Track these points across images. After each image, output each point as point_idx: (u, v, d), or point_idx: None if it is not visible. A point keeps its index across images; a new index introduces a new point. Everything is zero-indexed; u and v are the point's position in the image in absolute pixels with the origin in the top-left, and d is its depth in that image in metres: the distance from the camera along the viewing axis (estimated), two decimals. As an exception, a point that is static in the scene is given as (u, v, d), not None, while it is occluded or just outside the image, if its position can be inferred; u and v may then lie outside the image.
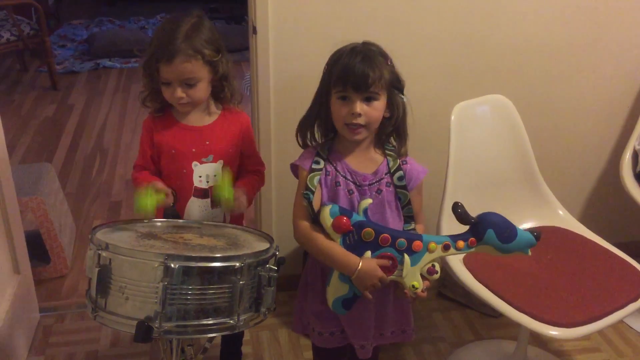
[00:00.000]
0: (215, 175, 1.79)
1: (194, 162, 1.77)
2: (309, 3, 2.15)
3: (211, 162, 1.77)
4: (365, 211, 1.52)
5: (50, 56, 5.01)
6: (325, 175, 1.58)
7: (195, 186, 1.78)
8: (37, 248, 2.62)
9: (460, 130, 1.97)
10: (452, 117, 1.96)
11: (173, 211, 1.79)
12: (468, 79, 2.32)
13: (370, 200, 1.54)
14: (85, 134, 4.24)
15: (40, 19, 4.89)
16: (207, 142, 1.77)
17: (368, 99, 1.51)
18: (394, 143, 1.63)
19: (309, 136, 1.63)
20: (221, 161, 1.78)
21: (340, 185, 1.58)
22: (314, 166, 1.59)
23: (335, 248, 1.49)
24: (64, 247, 2.70)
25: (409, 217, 1.62)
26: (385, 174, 1.60)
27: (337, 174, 1.58)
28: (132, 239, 1.51)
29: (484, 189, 2.04)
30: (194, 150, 1.76)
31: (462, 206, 1.55)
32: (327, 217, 1.49)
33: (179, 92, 1.67)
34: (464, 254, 1.57)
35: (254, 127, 2.23)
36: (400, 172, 1.60)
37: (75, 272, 2.74)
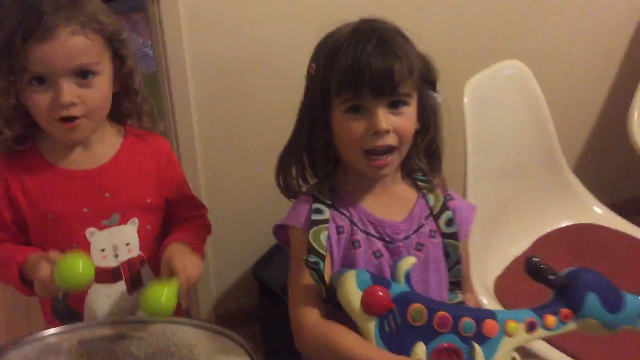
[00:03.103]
0: (128, 244, 1.11)
1: (89, 229, 1.10)
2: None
3: (117, 224, 1.11)
4: (407, 276, 0.97)
5: None
6: (337, 233, 1.02)
7: (96, 266, 1.09)
8: None
9: (476, 111, 1.48)
10: (465, 99, 1.46)
11: (65, 306, 1.14)
12: (468, 45, 1.75)
13: (414, 260, 0.98)
14: None
15: None
16: (107, 194, 1.10)
17: (395, 105, 0.97)
18: (420, 166, 1.08)
19: (295, 176, 1.06)
20: (134, 221, 1.13)
21: (359, 246, 1.02)
22: (315, 217, 1.02)
23: (374, 350, 0.92)
24: None
25: (455, 284, 1.09)
26: (426, 217, 1.06)
27: (354, 228, 1.02)
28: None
29: (507, 180, 1.58)
30: (85, 209, 1.09)
31: (540, 260, 1.00)
32: (352, 290, 0.93)
33: (67, 93, 0.99)
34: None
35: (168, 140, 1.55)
36: (448, 213, 1.07)
37: None
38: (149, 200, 1.13)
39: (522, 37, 1.81)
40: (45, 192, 1.07)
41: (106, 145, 1.11)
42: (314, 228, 1.01)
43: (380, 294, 0.92)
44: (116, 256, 1.12)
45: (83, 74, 1.00)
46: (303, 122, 1.03)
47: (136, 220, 1.12)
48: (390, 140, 0.96)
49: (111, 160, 1.11)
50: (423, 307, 0.94)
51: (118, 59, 1.06)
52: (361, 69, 0.93)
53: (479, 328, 0.97)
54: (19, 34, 0.95)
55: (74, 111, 1.00)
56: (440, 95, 1.01)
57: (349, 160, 1.01)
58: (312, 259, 0.97)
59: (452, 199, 1.08)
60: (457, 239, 1.06)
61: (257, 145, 1.63)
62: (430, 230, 1.05)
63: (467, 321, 0.96)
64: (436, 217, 1.06)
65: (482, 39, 1.76)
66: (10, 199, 1.07)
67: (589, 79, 2.02)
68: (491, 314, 0.99)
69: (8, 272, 1.06)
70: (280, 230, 1.07)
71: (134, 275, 1.14)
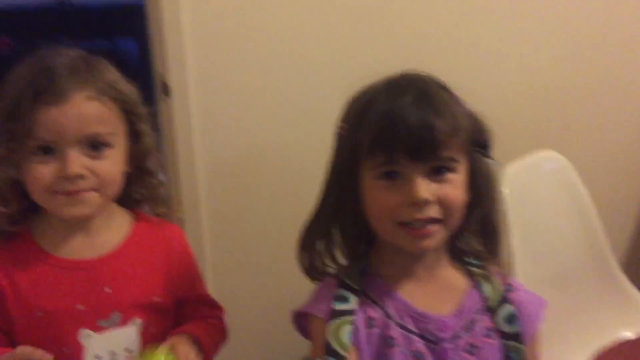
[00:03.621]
0: (127, 349, 0.94)
1: (85, 331, 0.93)
2: (252, 39, 1.40)
3: (117, 325, 0.94)
4: None
5: None
6: (368, 326, 0.84)
7: None
8: None
9: (517, 207, 1.33)
10: (506, 190, 1.32)
11: None
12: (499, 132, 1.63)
13: None
14: None
15: None
16: (107, 289, 0.94)
17: (438, 171, 0.81)
18: (472, 246, 0.91)
19: (321, 254, 0.90)
20: (137, 322, 0.96)
21: (396, 344, 0.84)
22: (338, 306, 0.85)
23: None
24: None
25: None
26: (480, 311, 0.87)
27: (389, 321, 0.85)
28: None
29: (557, 287, 1.41)
30: (80, 307, 0.93)
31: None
32: None
33: (75, 164, 0.86)
34: None
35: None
36: (509, 308, 0.88)
37: None
38: (155, 299, 0.97)
39: (555, 125, 1.70)
40: (35, 285, 0.92)
41: (112, 232, 0.97)
42: (335, 320, 0.83)
43: None
44: (113, 364, 0.93)
45: (94, 146, 0.88)
46: (330, 190, 0.89)
47: (139, 321, 0.95)
48: (432, 212, 0.80)
49: (115, 250, 0.96)
50: None
51: (133, 135, 0.95)
52: (395, 125, 0.79)
53: None
54: (28, 96, 0.85)
55: (81, 185, 0.88)
56: (497, 162, 0.88)
57: (382, 234, 0.86)
58: None
59: (513, 290, 0.90)
60: (521, 341, 0.87)
61: (271, 246, 1.50)
62: (486, 329, 0.86)
63: None
64: (493, 312, 0.87)
65: (514, 126, 1.66)
66: None
67: (629, 170, 1.89)
68: None
69: None
70: (301, 318, 0.90)
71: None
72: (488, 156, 0.87)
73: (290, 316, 0.91)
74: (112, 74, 0.92)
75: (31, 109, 0.85)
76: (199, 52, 1.38)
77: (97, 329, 0.92)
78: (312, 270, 0.91)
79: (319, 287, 0.90)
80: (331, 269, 0.91)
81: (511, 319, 0.87)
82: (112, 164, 0.90)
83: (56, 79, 0.86)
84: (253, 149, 1.48)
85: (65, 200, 0.88)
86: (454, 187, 0.82)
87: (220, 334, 1.05)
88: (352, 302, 0.85)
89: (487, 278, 0.89)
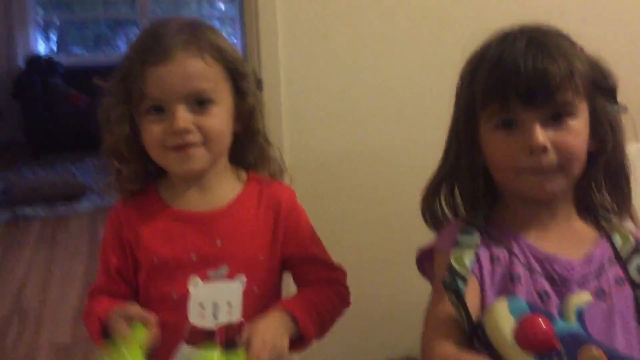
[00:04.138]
0: (229, 304, 0.95)
1: (193, 278, 0.96)
2: (345, 34, 1.46)
3: (224, 277, 0.97)
4: (580, 316, 0.76)
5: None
6: (492, 262, 0.85)
7: (191, 323, 0.95)
8: None
9: None
10: None
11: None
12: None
13: (588, 296, 0.78)
14: (-4, 293, 3.25)
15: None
16: (219, 242, 0.98)
17: (556, 118, 0.82)
18: (602, 199, 0.91)
19: (443, 206, 0.94)
20: (242, 278, 0.98)
21: (519, 280, 0.84)
22: (462, 238, 0.88)
23: None
24: None
25: None
26: (610, 260, 0.86)
27: (513, 259, 0.85)
28: None
29: None
30: (193, 256, 0.97)
31: None
32: (504, 317, 0.74)
33: (181, 119, 0.92)
34: None
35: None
36: None
37: None
38: (261, 257, 1.00)
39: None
40: (154, 234, 0.98)
41: (225, 189, 1.01)
42: (459, 249, 0.85)
43: (543, 324, 0.72)
44: (215, 317, 0.96)
45: (200, 103, 0.94)
46: (450, 147, 0.92)
47: (244, 278, 0.98)
48: (550, 160, 0.81)
49: (229, 205, 1.00)
50: (602, 353, 0.71)
51: (238, 94, 0.99)
52: (506, 72, 0.80)
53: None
54: (138, 58, 0.93)
55: (189, 139, 0.93)
56: (623, 108, 0.86)
57: (505, 185, 0.88)
58: (450, 283, 0.79)
59: None
60: None
61: (355, 247, 1.49)
62: (617, 278, 0.84)
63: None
64: (624, 262, 0.85)
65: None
66: (122, 245, 0.99)
67: None
68: None
69: (92, 326, 0.96)
70: (425, 262, 0.92)
71: (229, 343, 0.96)
72: (613, 101, 0.86)
73: (416, 256, 0.94)
74: (215, 35, 0.98)
75: (141, 69, 0.92)
76: (291, 48, 1.43)
77: (205, 278, 0.95)
78: (435, 223, 0.94)
79: (443, 228, 0.92)
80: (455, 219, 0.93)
81: None
82: (217, 120, 0.95)
83: (161, 40, 0.93)
84: (339, 148, 1.51)
85: (176, 156, 0.94)
86: (573, 134, 0.82)
87: (335, 299, 1.03)
88: (476, 237, 0.86)
89: (617, 229, 0.88)
